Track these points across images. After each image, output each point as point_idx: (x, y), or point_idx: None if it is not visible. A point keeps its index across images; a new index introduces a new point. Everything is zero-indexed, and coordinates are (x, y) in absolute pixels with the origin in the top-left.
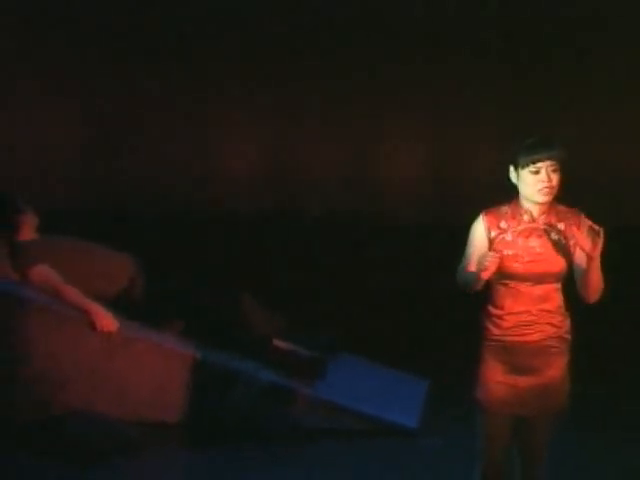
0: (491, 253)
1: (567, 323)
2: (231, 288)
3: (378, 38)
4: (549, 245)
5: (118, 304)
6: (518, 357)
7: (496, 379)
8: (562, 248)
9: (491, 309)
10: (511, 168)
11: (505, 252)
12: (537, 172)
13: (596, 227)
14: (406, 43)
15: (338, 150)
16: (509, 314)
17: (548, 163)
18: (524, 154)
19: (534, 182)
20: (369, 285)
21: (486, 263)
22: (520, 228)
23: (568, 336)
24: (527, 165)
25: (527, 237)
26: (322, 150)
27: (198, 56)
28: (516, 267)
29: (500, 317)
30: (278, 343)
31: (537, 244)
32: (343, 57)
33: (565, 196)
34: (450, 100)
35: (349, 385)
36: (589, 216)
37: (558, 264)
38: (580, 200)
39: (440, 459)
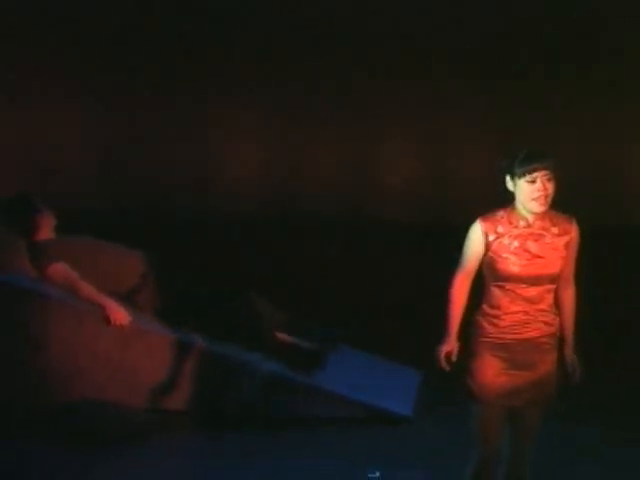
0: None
1: (558, 321)
2: (234, 285)
3: (378, 38)
4: (545, 248)
5: (131, 299)
6: (514, 353)
7: (492, 373)
8: (557, 251)
9: (487, 309)
10: (507, 177)
11: (503, 255)
12: (533, 182)
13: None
14: (406, 43)
15: (338, 150)
16: (506, 314)
17: (543, 173)
18: (520, 165)
19: (531, 191)
20: (369, 283)
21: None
22: (517, 232)
23: (558, 333)
24: (524, 175)
25: (524, 241)
26: (322, 150)
27: (198, 56)
28: (513, 270)
29: (497, 317)
30: (280, 336)
31: (533, 247)
32: (343, 57)
33: (565, 196)
34: (450, 100)
35: (348, 376)
36: (589, 216)
37: (553, 266)
38: (580, 200)
39: (436, 446)
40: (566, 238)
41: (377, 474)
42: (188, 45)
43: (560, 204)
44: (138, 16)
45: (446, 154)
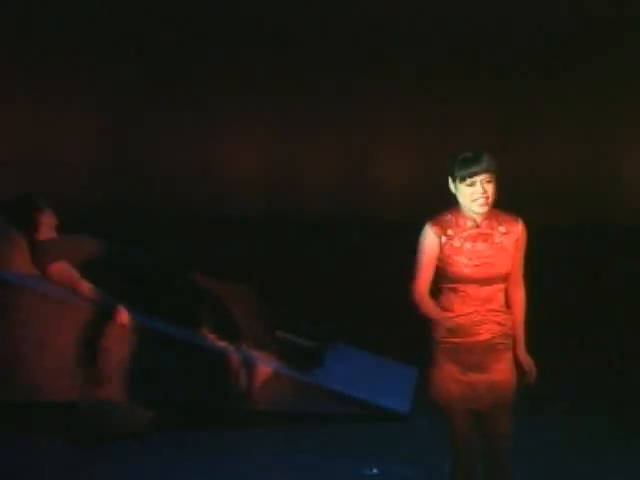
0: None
1: (510, 319)
2: (235, 283)
3: (378, 38)
4: (495, 248)
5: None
6: (470, 356)
7: (451, 378)
8: (505, 250)
9: None
10: (449, 180)
11: (455, 257)
12: (473, 185)
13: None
14: (406, 44)
15: (338, 150)
16: (458, 316)
17: (482, 176)
18: (459, 169)
19: (471, 194)
20: (368, 283)
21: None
22: (466, 234)
23: (511, 332)
24: (463, 179)
25: (474, 241)
26: (322, 150)
27: (198, 57)
28: (466, 271)
29: (450, 320)
30: (279, 334)
31: (484, 248)
32: (343, 57)
33: (566, 196)
34: (450, 100)
35: (346, 373)
36: (584, 215)
37: (505, 265)
38: (580, 200)
39: (433, 444)
40: (513, 236)
41: (375, 471)
42: (189, 46)
43: (561, 204)
44: (139, 17)
45: (446, 154)
